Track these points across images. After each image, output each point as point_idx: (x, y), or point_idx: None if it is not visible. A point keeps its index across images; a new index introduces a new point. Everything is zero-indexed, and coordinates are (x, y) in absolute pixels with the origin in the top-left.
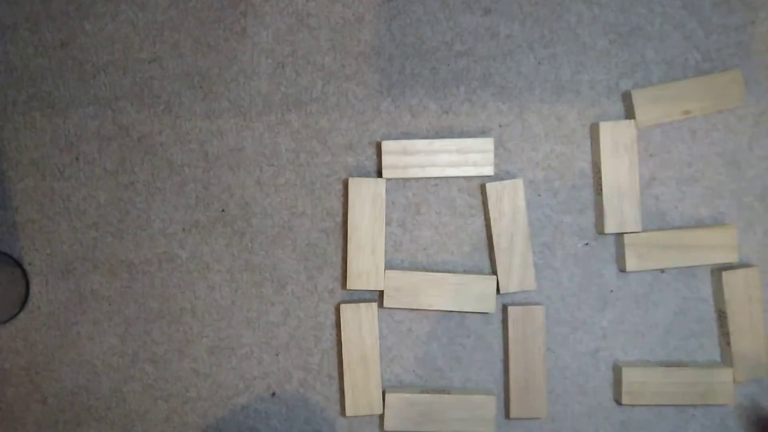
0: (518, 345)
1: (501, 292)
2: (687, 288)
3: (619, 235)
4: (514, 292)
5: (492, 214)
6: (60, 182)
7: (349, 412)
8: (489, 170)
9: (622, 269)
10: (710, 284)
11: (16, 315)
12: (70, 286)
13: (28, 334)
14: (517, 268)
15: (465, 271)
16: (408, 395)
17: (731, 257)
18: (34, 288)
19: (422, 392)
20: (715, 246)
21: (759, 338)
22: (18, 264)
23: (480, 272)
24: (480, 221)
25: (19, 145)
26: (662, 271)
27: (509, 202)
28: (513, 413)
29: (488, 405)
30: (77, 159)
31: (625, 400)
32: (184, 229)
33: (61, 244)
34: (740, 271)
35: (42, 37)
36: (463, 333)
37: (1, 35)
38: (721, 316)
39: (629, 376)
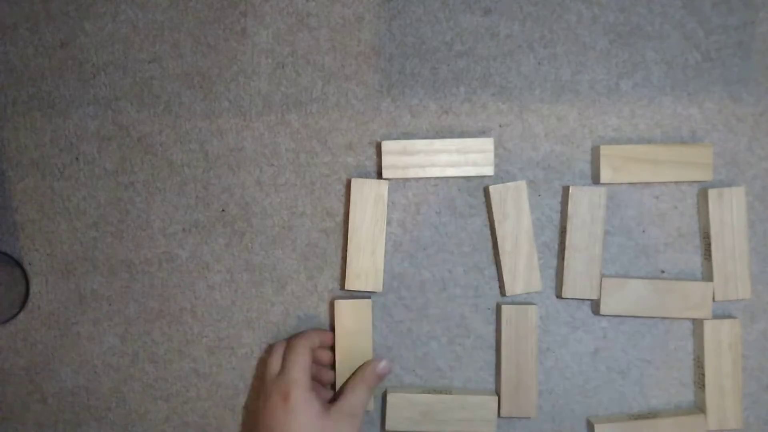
0: (511, 344)
1: (507, 294)
2: None
3: (596, 147)
4: (520, 294)
5: (496, 217)
6: (60, 182)
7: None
8: (489, 170)
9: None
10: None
11: (16, 315)
12: (70, 286)
13: (28, 334)
14: (522, 270)
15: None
16: (409, 395)
17: (706, 175)
18: (34, 288)
19: (423, 392)
20: (691, 163)
21: (734, 392)
22: (18, 264)
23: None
24: (480, 221)
25: (19, 145)
26: (662, 271)
27: (513, 204)
28: (503, 412)
29: (490, 405)
30: (77, 159)
31: None
32: (184, 229)
33: (61, 244)
34: (723, 322)
35: (42, 37)
36: (463, 333)
37: (1, 35)
38: (698, 363)
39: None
